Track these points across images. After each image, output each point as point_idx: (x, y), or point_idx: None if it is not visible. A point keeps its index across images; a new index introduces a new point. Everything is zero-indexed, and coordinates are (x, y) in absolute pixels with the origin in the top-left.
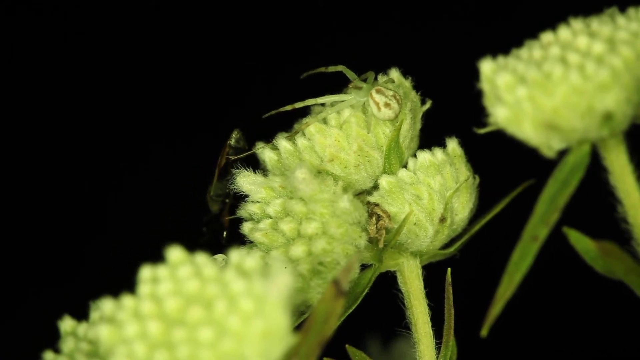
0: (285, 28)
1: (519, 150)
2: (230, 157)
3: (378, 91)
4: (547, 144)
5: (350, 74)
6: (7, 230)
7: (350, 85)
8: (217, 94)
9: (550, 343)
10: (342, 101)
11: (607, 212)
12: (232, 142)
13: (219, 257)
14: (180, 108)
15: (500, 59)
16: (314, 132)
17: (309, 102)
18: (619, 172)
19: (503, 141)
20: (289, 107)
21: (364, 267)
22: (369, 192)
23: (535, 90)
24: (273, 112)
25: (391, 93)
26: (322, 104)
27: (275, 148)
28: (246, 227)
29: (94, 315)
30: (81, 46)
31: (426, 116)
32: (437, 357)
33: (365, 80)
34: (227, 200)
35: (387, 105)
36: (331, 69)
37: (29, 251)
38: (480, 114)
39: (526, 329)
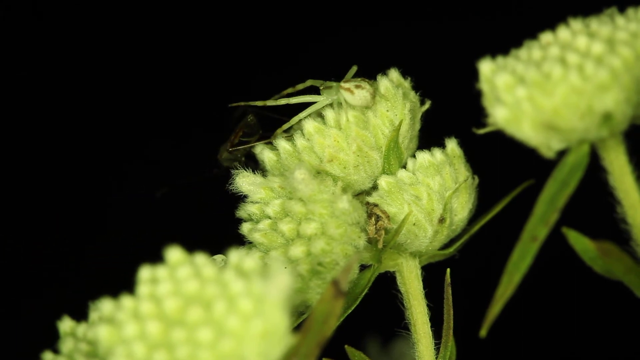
0: (285, 28)
1: (519, 150)
2: (244, 134)
3: (346, 81)
4: (547, 144)
5: (317, 82)
6: (7, 230)
7: (321, 87)
8: (217, 95)
9: (550, 343)
10: (315, 102)
11: (606, 212)
12: (249, 119)
13: (218, 257)
14: (181, 108)
15: (500, 59)
16: (313, 132)
17: (281, 101)
18: (618, 172)
19: (503, 141)
20: (259, 103)
21: (363, 267)
22: (368, 192)
23: (534, 91)
24: (242, 103)
25: (359, 79)
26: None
27: (274, 148)
28: (245, 228)
29: (93, 315)
30: (81, 46)
31: (426, 116)
32: (437, 358)
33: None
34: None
35: (358, 87)
36: (299, 87)
37: (29, 251)
38: (479, 114)
39: (526, 329)
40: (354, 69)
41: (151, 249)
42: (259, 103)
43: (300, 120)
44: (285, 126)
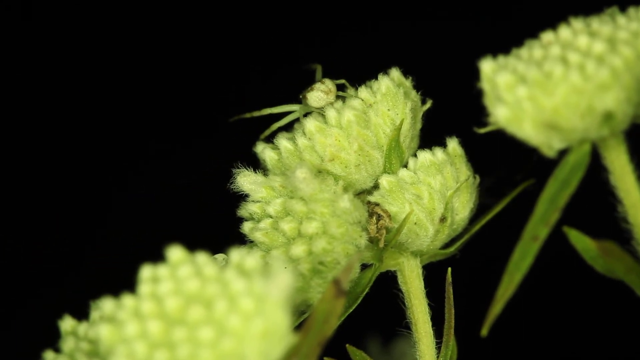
0: (285, 28)
1: (519, 150)
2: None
3: (305, 89)
4: (548, 144)
5: (272, 110)
6: (7, 231)
7: (300, 97)
8: (216, 95)
9: (550, 343)
10: (294, 111)
11: (607, 212)
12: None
13: (219, 256)
14: (181, 108)
15: (501, 59)
16: (314, 131)
17: (265, 111)
18: (619, 171)
19: (503, 141)
20: (248, 115)
21: (364, 266)
22: (369, 191)
23: (535, 90)
24: (236, 117)
25: (319, 81)
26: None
27: (275, 148)
28: (246, 227)
29: (94, 314)
30: (82, 46)
31: (427, 115)
32: (438, 357)
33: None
34: None
35: (310, 90)
36: (256, 113)
37: (29, 251)
38: (480, 113)
39: (526, 328)
40: (318, 69)
41: (151, 248)
42: (247, 115)
43: (277, 126)
44: (265, 135)
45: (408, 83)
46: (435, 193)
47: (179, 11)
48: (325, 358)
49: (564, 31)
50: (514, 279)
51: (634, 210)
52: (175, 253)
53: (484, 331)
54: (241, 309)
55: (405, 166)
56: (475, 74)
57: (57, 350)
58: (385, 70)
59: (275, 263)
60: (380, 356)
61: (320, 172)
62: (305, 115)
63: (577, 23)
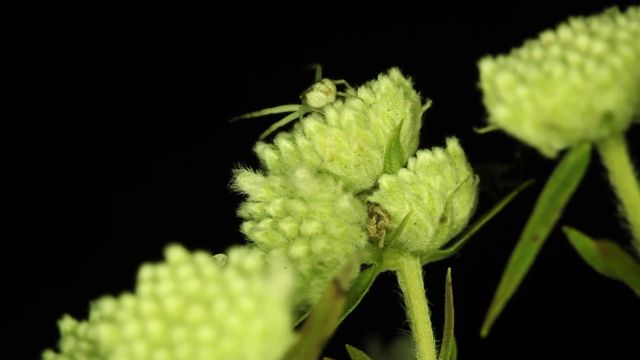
0: (285, 28)
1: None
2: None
3: (305, 89)
4: (547, 144)
5: (272, 110)
6: (7, 230)
7: (300, 97)
8: (216, 95)
9: (550, 343)
10: (293, 111)
11: (607, 212)
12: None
13: (219, 256)
14: (181, 109)
15: (500, 59)
16: (314, 131)
17: (265, 111)
18: (619, 171)
19: (503, 141)
20: (248, 116)
21: (364, 266)
22: (369, 191)
23: (535, 90)
24: (236, 118)
25: (319, 81)
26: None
27: (275, 148)
28: (246, 227)
29: (94, 315)
30: (82, 47)
31: (427, 116)
32: (437, 357)
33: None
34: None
35: (310, 90)
36: (256, 114)
37: (29, 251)
38: (480, 113)
39: (526, 328)
40: (318, 69)
41: (151, 248)
42: (247, 116)
43: (277, 126)
44: (264, 135)
45: (408, 83)
46: (435, 193)
47: (179, 11)
48: (325, 358)
49: (563, 31)
50: (513, 279)
51: (633, 210)
52: (175, 253)
53: (484, 331)
54: (241, 309)
55: (405, 166)
56: (475, 74)
57: (57, 350)
58: (385, 70)
59: (275, 263)
60: (380, 356)
61: (320, 172)
62: (305, 115)
63: (577, 23)
